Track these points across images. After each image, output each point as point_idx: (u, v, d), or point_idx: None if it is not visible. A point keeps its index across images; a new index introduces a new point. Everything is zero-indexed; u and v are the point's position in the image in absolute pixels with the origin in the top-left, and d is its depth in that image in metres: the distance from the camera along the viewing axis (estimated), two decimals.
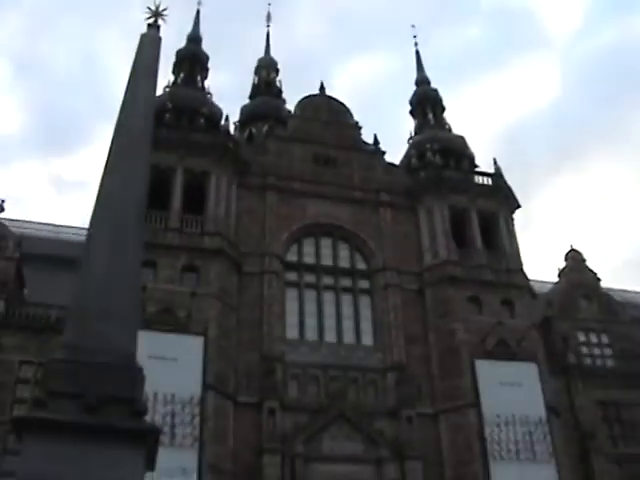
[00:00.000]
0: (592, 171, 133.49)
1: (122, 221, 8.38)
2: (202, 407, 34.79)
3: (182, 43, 55.84)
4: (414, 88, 60.55)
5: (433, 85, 60.48)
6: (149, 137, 9.41)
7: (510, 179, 51.03)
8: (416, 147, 53.35)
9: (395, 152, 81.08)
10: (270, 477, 34.66)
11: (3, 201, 43.23)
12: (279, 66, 71.47)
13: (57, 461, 6.71)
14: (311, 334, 41.62)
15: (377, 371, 40.62)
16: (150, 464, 7.38)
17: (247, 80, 74.44)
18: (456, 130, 56.39)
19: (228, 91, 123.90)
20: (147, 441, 7.16)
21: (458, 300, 42.79)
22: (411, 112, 59.06)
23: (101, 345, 7.42)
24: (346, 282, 44.33)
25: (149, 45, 10.73)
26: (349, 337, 42.23)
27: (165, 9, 11.37)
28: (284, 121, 53.97)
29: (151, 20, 11.21)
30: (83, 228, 47.63)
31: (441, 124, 56.56)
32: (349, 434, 37.30)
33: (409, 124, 58.58)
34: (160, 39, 11.03)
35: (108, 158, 9.31)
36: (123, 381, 7.25)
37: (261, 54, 73.12)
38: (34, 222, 50.08)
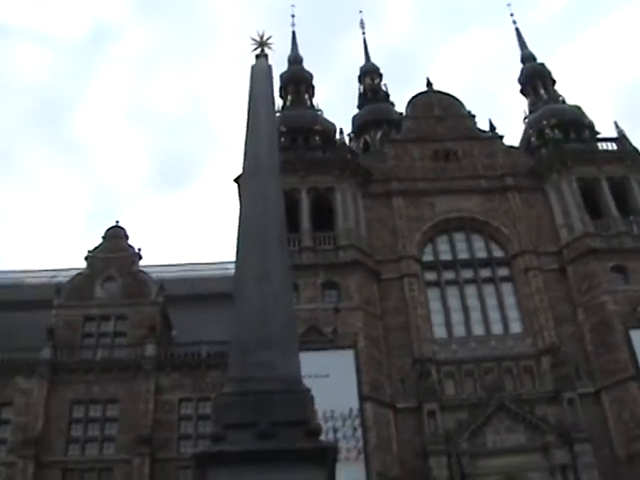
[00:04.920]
0: None
1: (267, 248, 8.49)
2: (362, 418, 34.92)
3: (283, 65, 56.35)
4: (520, 66, 59.13)
5: (539, 59, 58.96)
6: (277, 163, 9.53)
7: (636, 139, 49.33)
8: (533, 125, 52.14)
9: (512, 134, 79.82)
10: (439, 478, 34.43)
11: (139, 249, 44.65)
12: (381, 70, 71.21)
13: None
14: (459, 330, 41.27)
15: (530, 357, 39.86)
16: None
17: (352, 89, 74.40)
18: (570, 100, 54.87)
19: (335, 103, 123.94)
20: (326, 459, 7.21)
21: (602, 272, 41.53)
22: (522, 91, 57.70)
23: (266, 373, 7.53)
24: (486, 273, 43.78)
25: (261, 74, 10.88)
26: (497, 327, 41.64)
27: (270, 37, 11.47)
28: (397, 124, 53.76)
29: (258, 50, 11.32)
30: (219, 262, 48.53)
31: (554, 97, 55.08)
32: (511, 425, 36.58)
33: (520, 103, 57.28)
34: (270, 67, 11.15)
35: (242, 191, 9.49)
36: (294, 404, 7.34)
37: (361, 62, 73.02)
38: (172, 264, 51.29)
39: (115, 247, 44.39)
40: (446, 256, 44.05)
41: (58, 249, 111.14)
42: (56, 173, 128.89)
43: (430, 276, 43.13)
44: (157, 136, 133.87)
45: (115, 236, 44.95)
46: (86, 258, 44.11)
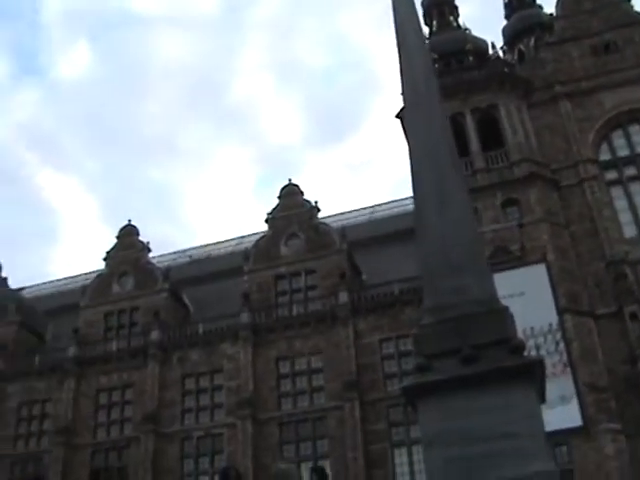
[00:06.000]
0: None
1: (442, 175, 8.42)
2: (563, 331, 34.43)
3: None
4: None
5: None
6: (437, 88, 9.39)
7: None
8: None
9: None
10: None
11: (316, 202, 45.38)
12: None
13: (456, 417, 6.89)
14: None
15: None
16: (541, 397, 7.37)
17: (496, 1, 72.06)
18: None
19: (482, 19, 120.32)
20: (534, 374, 7.17)
21: None
22: None
23: (462, 298, 7.52)
24: None
25: (403, 1, 10.68)
26: None
27: None
28: (549, 27, 51.83)
29: None
30: (396, 200, 48.75)
31: None
32: None
33: None
34: None
35: (407, 124, 9.45)
36: (494, 324, 7.30)
37: None
38: (350, 211, 51.88)
39: (292, 204, 45.37)
40: (624, 152, 42.27)
41: (237, 217, 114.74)
42: (221, 145, 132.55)
43: (610, 175, 41.63)
44: (312, 89, 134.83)
45: (291, 193, 45.95)
46: (266, 220, 45.33)
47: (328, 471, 14.32)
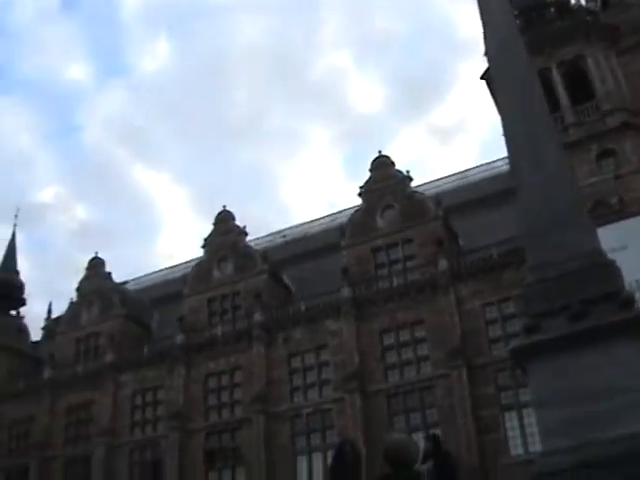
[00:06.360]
0: None
1: (535, 131, 8.29)
2: None
3: None
4: None
5: None
6: (521, 44, 9.25)
7: None
8: None
9: None
10: None
11: (408, 171, 45.05)
12: None
13: (567, 376, 6.80)
14: None
15: None
16: None
17: None
18: None
19: None
20: None
21: None
22: None
23: (566, 254, 7.39)
24: None
25: None
26: None
27: None
28: None
29: None
30: (488, 163, 48.05)
31: None
32: None
33: None
34: None
35: (494, 84, 9.29)
36: (601, 279, 7.14)
37: None
38: (442, 177, 51.35)
39: (385, 175, 45.07)
40: None
41: (328, 193, 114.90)
42: (307, 123, 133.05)
43: None
44: (394, 59, 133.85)
45: (382, 165, 45.63)
46: (359, 194, 45.21)
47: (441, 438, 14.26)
